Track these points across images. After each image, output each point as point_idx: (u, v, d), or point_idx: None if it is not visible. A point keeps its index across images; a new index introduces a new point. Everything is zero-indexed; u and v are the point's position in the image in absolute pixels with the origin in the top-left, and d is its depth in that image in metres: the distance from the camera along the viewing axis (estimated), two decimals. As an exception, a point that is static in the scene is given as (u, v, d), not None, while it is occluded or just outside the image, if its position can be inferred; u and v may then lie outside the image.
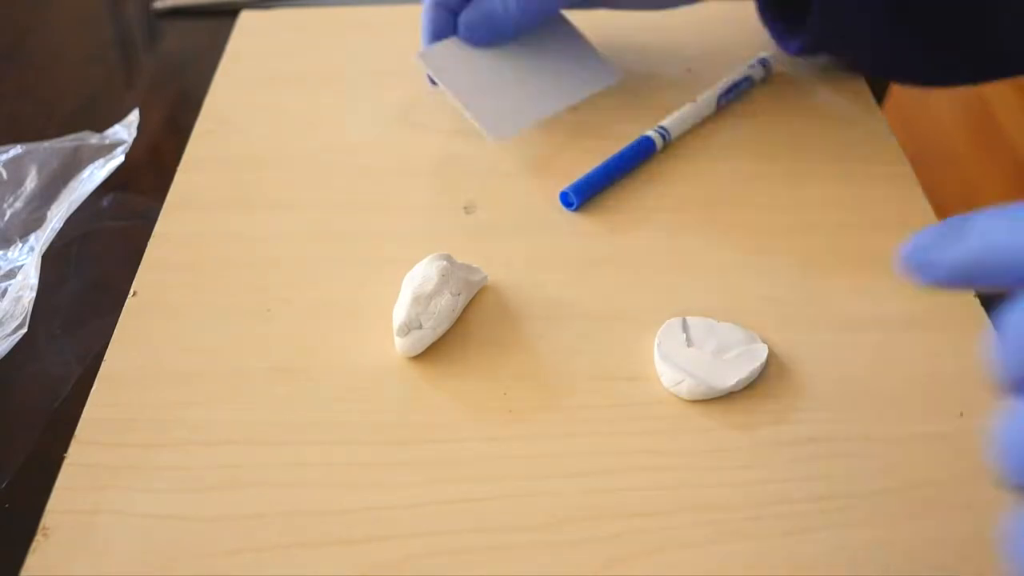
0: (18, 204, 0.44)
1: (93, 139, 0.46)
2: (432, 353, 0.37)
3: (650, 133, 0.46)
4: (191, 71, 0.55)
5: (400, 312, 0.36)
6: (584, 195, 0.43)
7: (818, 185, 0.44)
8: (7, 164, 0.45)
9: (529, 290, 0.39)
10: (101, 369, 0.36)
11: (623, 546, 0.30)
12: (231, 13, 0.58)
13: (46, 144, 0.46)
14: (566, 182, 0.43)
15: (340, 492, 0.32)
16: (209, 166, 0.46)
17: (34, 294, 0.39)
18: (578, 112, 0.49)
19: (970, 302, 0.38)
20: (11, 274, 0.40)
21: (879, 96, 0.51)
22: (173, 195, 0.44)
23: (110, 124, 0.47)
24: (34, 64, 0.57)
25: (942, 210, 0.43)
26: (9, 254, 0.42)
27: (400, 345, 0.36)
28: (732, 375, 0.35)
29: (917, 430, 0.34)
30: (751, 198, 0.44)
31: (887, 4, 0.46)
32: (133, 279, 0.40)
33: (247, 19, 0.57)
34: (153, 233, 0.42)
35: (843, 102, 0.50)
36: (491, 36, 0.47)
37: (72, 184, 0.44)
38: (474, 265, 0.39)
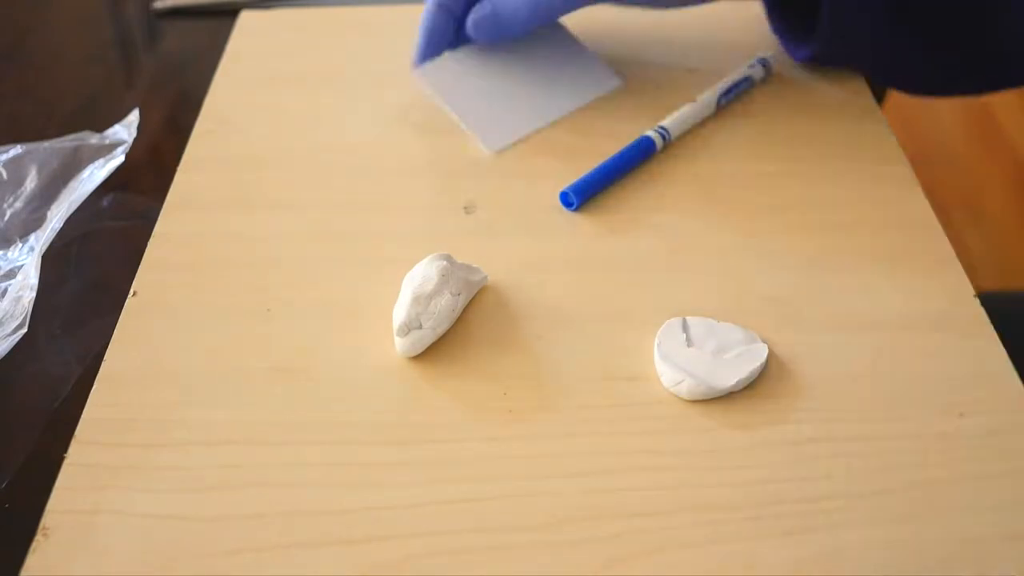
0: (18, 204, 0.44)
1: (93, 139, 0.46)
2: (432, 353, 0.37)
3: (650, 133, 0.46)
4: (191, 71, 0.55)
5: (400, 312, 0.36)
6: (584, 195, 0.43)
7: (818, 185, 0.44)
8: (7, 164, 0.45)
9: (529, 290, 0.39)
10: (101, 369, 0.36)
11: (623, 546, 0.30)
12: (231, 13, 0.58)
13: (46, 144, 0.46)
14: (566, 182, 0.43)
15: (340, 492, 0.32)
16: (209, 166, 0.46)
17: (34, 294, 0.39)
18: (578, 112, 0.49)
19: (970, 302, 0.38)
20: (11, 274, 0.40)
21: (879, 96, 0.51)
22: (173, 195, 0.44)
23: (110, 124, 0.47)
24: (34, 64, 0.57)
25: (942, 210, 0.43)
26: (9, 254, 0.42)
27: (400, 345, 0.36)
28: (732, 375, 0.35)
29: (917, 430, 0.34)
30: (751, 198, 0.44)
31: (887, 4, 0.46)
32: (133, 279, 0.40)
33: (247, 19, 0.57)
34: (153, 233, 0.42)
35: (843, 102, 0.50)
36: (498, 34, 0.47)
37: (72, 184, 0.44)
38: (474, 265, 0.39)
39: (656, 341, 0.36)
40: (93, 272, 0.43)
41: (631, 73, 0.51)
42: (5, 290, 0.40)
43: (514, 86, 0.49)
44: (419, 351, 0.36)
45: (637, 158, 0.45)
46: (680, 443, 0.33)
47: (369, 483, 0.32)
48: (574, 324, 0.38)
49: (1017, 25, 0.46)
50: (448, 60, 0.49)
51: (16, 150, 0.46)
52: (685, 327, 0.37)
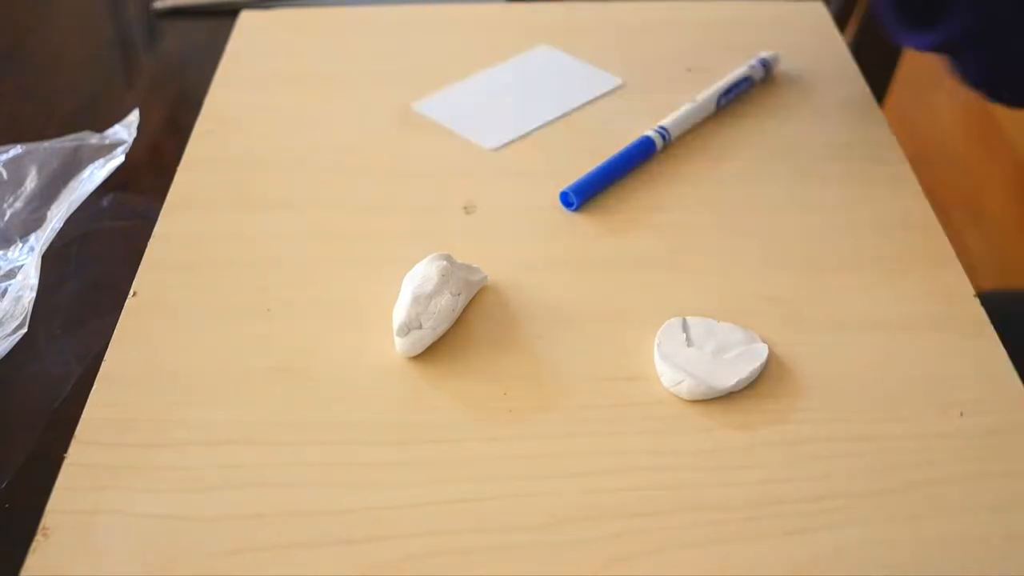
0: (18, 204, 0.44)
1: (93, 139, 0.46)
2: (432, 353, 0.37)
3: (650, 133, 0.46)
4: (191, 71, 0.55)
5: (400, 312, 0.36)
6: (584, 195, 0.43)
7: (818, 185, 0.44)
8: (7, 164, 0.45)
9: (529, 290, 0.39)
10: (101, 369, 0.36)
11: (623, 546, 0.30)
12: (231, 13, 0.58)
13: (46, 144, 0.46)
14: (566, 182, 0.43)
15: (340, 492, 0.32)
16: (209, 166, 0.46)
17: (34, 294, 0.39)
18: (578, 112, 0.49)
19: (970, 302, 0.38)
20: (11, 274, 0.40)
21: (879, 96, 0.51)
22: (173, 195, 0.44)
23: (110, 124, 0.47)
24: (34, 64, 0.57)
25: (942, 210, 0.43)
26: (9, 254, 0.42)
27: (400, 345, 0.36)
28: (732, 375, 0.35)
29: (917, 430, 0.34)
30: (751, 198, 0.44)
31: None
32: (133, 279, 0.40)
33: (247, 19, 0.57)
34: (153, 233, 0.42)
35: (843, 102, 0.50)
36: None
37: (72, 184, 0.44)
38: (474, 265, 0.39)
39: (656, 341, 0.36)
40: (93, 272, 0.43)
41: (631, 73, 0.51)
42: (5, 290, 0.40)
43: (512, 96, 0.50)
44: (419, 351, 0.36)
45: (637, 158, 0.45)
46: (680, 443, 0.33)
47: (369, 483, 0.32)
48: (574, 324, 0.38)
49: None
50: (447, 93, 0.50)
51: (16, 150, 0.46)
52: (685, 327, 0.37)
